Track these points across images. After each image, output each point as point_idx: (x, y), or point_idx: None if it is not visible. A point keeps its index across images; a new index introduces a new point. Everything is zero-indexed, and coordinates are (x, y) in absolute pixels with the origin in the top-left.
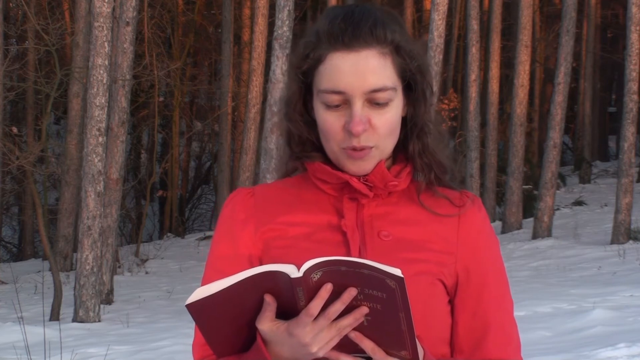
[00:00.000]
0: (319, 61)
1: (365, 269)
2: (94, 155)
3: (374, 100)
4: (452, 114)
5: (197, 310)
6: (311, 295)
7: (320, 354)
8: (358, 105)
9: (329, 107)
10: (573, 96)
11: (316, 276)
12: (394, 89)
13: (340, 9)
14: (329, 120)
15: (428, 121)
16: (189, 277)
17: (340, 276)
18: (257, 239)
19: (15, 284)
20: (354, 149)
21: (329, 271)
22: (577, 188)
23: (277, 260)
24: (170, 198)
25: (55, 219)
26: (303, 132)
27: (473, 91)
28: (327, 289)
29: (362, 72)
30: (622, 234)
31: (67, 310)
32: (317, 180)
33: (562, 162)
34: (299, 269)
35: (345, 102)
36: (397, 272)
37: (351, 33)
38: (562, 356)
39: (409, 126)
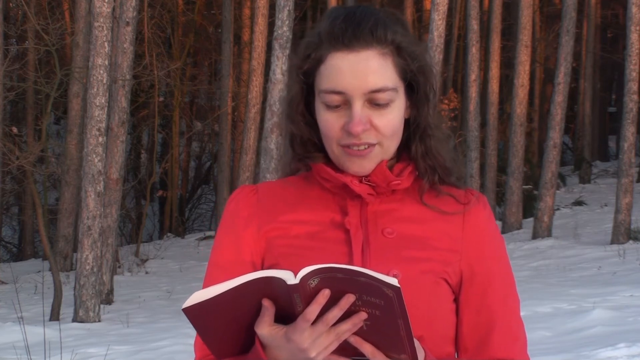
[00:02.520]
0: (319, 61)
1: (362, 277)
2: (94, 155)
3: (374, 101)
4: (452, 114)
5: (194, 314)
6: (309, 301)
7: (319, 359)
8: (358, 106)
9: (330, 107)
10: (573, 96)
11: (313, 283)
12: (394, 89)
13: (341, 9)
14: (329, 121)
15: (431, 123)
16: (189, 277)
17: (337, 283)
18: (259, 237)
19: (15, 284)
20: (354, 144)
21: (326, 278)
22: (577, 188)
23: (280, 259)
24: (170, 198)
25: (55, 219)
26: (305, 133)
27: (473, 91)
28: (324, 295)
29: (362, 72)
30: (622, 234)
31: (67, 310)
32: (320, 179)
33: (562, 162)
34: (296, 274)
35: (345, 103)
36: (393, 281)
37: (351, 33)
38: (562, 356)
39: (412, 128)
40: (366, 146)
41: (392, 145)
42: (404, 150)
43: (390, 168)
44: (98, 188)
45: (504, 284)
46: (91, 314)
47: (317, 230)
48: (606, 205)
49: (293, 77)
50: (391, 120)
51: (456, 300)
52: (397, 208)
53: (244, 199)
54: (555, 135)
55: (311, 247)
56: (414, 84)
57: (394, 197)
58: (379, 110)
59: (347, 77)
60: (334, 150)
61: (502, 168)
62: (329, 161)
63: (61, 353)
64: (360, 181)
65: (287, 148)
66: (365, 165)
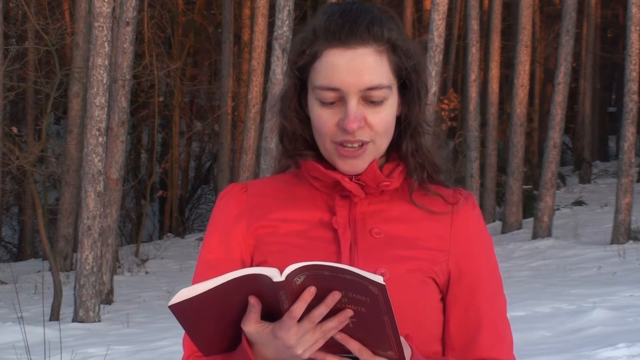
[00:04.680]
0: (315, 57)
1: (347, 274)
2: (94, 155)
3: (369, 98)
4: (452, 114)
5: (181, 311)
6: (295, 298)
7: (305, 356)
8: (353, 103)
9: (324, 103)
10: (573, 96)
11: (299, 280)
12: (389, 87)
13: (337, 6)
14: (323, 117)
15: (422, 121)
16: (189, 277)
17: (323, 280)
18: (248, 235)
19: (15, 284)
20: (348, 142)
21: (312, 275)
22: (577, 188)
23: (268, 257)
24: (170, 198)
25: (55, 219)
26: (297, 129)
27: (473, 91)
28: (310, 292)
29: (358, 69)
30: (622, 234)
31: (67, 310)
32: (310, 178)
33: (562, 162)
34: (282, 272)
35: (340, 99)
36: (378, 279)
37: (348, 30)
38: (562, 356)
39: (403, 125)
40: (360, 144)
41: (384, 143)
42: (394, 149)
43: (380, 168)
44: (98, 188)
45: (492, 284)
46: (91, 314)
47: (306, 229)
48: (606, 205)
49: (287, 72)
50: (384, 117)
51: (443, 300)
52: (386, 209)
53: (233, 197)
54: (555, 135)
55: (300, 246)
56: (407, 82)
57: (383, 198)
58: (373, 108)
59: (342, 74)
60: (326, 147)
61: (502, 168)
62: (319, 158)
63: (61, 353)
64: (351, 179)
65: (277, 144)
66: (357, 164)
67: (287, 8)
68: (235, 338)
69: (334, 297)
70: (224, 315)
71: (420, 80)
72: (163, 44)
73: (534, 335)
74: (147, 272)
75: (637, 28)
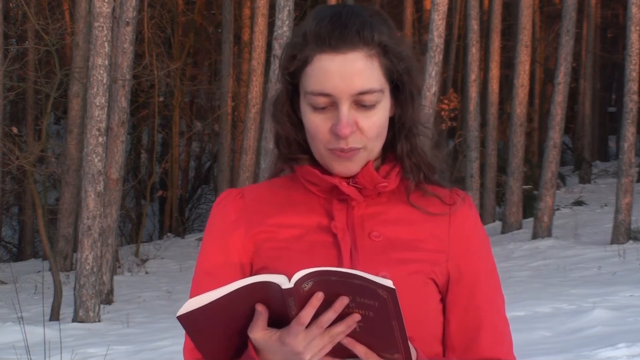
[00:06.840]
0: (305, 62)
1: (356, 279)
2: (94, 155)
3: (361, 103)
4: (452, 114)
5: (189, 321)
6: (303, 304)
7: None
8: (345, 108)
9: (316, 109)
10: (573, 96)
11: (307, 286)
12: (381, 91)
13: (327, 9)
14: (316, 122)
15: (416, 122)
16: (189, 277)
17: (331, 285)
18: (247, 241)
19: (15, 284)
20: (342, 150)
21: (320, 281)
22: (577, 188)
23: (268, 263)
24: (170, 198)
25: (55, 219)
26: (290, 134)
27: (473, 91)
28: (318, 298)
29: (349, 74)
30: (622, 234)
31: (67, 310)
32: (306, 182)
33: (562, 162)
34: (290, 277)
35: (332, 104)
36: (388, 283)
37: (338, 35)
38: (562, 356)
39: (397, 127)
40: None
41: (376, 146)
42: (389, 151)
43: (376, 169)
44: (98, 188)
45: (490, 284)
46: (91, 314)
47: (304, 233)
48: (606, 205)
49: (279, 77)
50: (376, 121)
51: (443, 300)
52: (383, 211)
53: (230, 204)
54: (555, 135)
55: (300, 250)
56: (399, 84)
57: (380, 200)
58: (365, 112)
59: (334, 79)
60: (321, 151)
61: (502, 168)
62: (314, 162)
63: (61, 353)
64: (348, 183)
65: (272, 147)
66: (350, 167)
67: (287, 8)
68: (241, 346)
69: (342, 302)
70: (230, 323)
71: (412, 82)
72: (163, 44)
73: (534, 335)
74: (147, 272)
75: (637, 28)
